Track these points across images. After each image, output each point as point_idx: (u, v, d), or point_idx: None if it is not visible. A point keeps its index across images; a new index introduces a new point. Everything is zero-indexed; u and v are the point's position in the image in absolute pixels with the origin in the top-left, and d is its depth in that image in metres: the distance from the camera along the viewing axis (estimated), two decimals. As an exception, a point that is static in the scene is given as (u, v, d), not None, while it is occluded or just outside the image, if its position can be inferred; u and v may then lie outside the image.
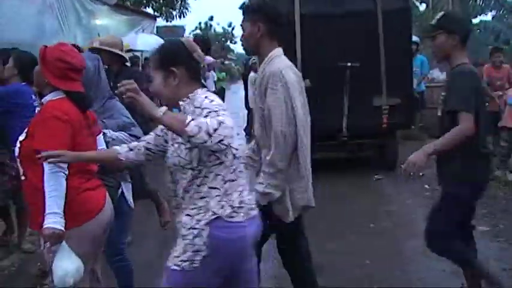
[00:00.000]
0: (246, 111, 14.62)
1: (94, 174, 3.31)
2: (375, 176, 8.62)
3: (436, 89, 12.95)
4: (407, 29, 9.02)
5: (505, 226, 6.12)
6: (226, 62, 28.07)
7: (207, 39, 10.39)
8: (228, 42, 51.60)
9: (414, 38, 9.68)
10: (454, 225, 3.89)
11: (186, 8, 27.75)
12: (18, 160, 3.16)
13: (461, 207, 3.87)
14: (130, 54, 14.99)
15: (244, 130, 14.23)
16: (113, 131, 3.65)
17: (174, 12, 27.57)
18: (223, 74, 21.78)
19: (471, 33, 3.87)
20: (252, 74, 13.13)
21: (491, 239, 5.74)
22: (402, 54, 8.73)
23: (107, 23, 16.57)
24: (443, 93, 3.94)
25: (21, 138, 3.12)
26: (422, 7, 23.49)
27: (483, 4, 23.42)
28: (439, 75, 15.13)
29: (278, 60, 3.44)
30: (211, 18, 50.67)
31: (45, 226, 2.89)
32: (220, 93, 21.94)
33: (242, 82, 14.83)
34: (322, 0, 8.68)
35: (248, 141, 13.32)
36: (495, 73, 9.30)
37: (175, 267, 2.67)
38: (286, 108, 3.33)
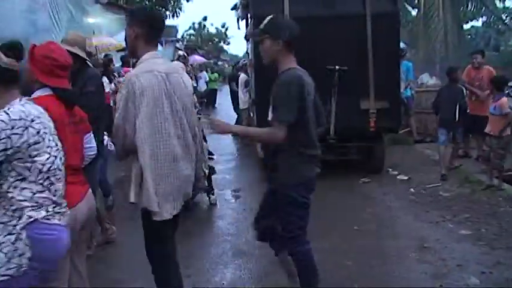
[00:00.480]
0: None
1: (77, 169, 3.36)
2: (362, 179, 8.69)
3: (424, 94, 13.09)
4: (395, 33, 9.07)
5: (487, 230, 6.19)
6: (219, 63, 28.07)
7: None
8: (221, 43, 51.60)
9: (400, 45, 9.75)
10: (303, 225, 4.05)
11: (179, 8, 27.79)
12: None
13: (299, 207, 3.99)
14: (122, 53, 15.05)
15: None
16: None
17: (167, 12, 27.58)
18: (216, 74, 21.83)
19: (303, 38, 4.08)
20: (242, 75, 13.21)
21: (474, 242, 5.82)
22: (390, 58, 8.79)
23: (100, 21, 16.58)
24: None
25: None
26: (415, 12, 23.55)
27: (474, 10, 23.53)
28: (428, 80, 15.26)
29: (141, 66, 3.47)
30: (205, 19, 50.67)
31: None
32: (212, 94, 22.04)
33: (228, 85, 14.79)
34: (312, 2, 8.68)
35: (237, 143, 13.42)
36: (474, 73, 9.62)
37: (3, 278, 2.75)
38: (127, 107, 3.35)
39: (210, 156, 9.81)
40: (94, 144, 3.65)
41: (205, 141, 10.13)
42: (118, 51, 14.54)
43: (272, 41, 3.80)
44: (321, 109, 4.29)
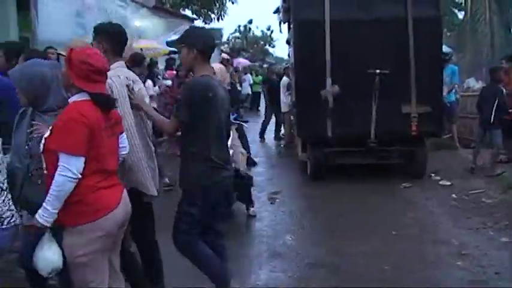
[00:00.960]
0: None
1: (113, 172, 3.44)
2: (403, 184, 8.61)
3: (469, 98, 12.85)
4: (438, 38, 9.01)
5: (529, 237, 6.08)
6: (265, 66, 28.14)
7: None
8: (267, 46, 51.76)
9: (445, 48, 9.64)
10: (194, 224, 4.05)
11: (224, 11, 28.01)
12: (42, 155, 3.31)
13: (193, 208, 4.02)
14: (167, 56, 15.31)
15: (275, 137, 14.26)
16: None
17: (213, 15, 27.84)
18: (260, 77, 21.84)
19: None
20: (284, 78, 13.25)
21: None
22: (432, 62, 8.73)
23: (146, 25, 16.90)
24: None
25: (46, 135, 3.27)
26: (461, 15, 23.15)
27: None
28: (474, 84, 14.98)
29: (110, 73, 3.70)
30: (250, 22, 50.91)
31: (35, 217, 3.11)
32: (256, 97, 22.12)
33: (264, 87, 14.69)
34: (353, 6, 8.69)
35: (278, 145, 13.43)
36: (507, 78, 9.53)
37: None
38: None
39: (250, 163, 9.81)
40: (126, 143, 3.72)
41: (247, 150, 10.13)
42: (163, 55, 14.78)
43: (187, 50, 3.96)
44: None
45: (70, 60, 3.26)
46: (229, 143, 6.11)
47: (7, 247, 3.44)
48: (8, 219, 3.22)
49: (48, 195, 3.07)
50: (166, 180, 8.31)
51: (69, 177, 3.06)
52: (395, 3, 8.76)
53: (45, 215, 3.07)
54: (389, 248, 5.86)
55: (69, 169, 3.06)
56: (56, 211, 3.08)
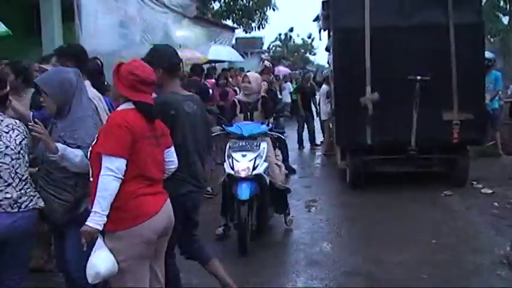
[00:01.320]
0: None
1: (157, 180, 3.52)
2: (444, 192, 8.49)
3: (513, 105, 12.59)
4: (480, 44, 8.87)
5: None
6: (296, 72, 28.11)
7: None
8: (307, 54, 51.76)
9: (488, 54, 9.46)
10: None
11: (265, 20, 28.11)
12: (89, 163, 3.43)
13: None
14: (208, 65, 15.46)
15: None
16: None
17: (253, 24, 27.97)
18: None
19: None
20: (324, 86, 13.23)
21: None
22: (474, 69, 8.58)
23: (187, 34, 17.09)
24: None
25: (93, 143, 3.40)
26: (506, 20, 22.75)
27: None
28: (517, 91, 14.67)
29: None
30: (291, 30, 51.05)
31: (85, 223, 3.18)
32: (295, 104, 22.10)
33: (300, 94, 14.63)
34: (393, 13, 8.62)
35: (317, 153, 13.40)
36: None
37: None
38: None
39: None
40: (175, 158, 3.80)
41: (285, 160, 10.06)
42: (202, 63, 14.90)
43: (154, 70, 3.94)
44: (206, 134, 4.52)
45: (118, 71, 3.43)
46: (263, 154, 6.20)
47: (31, 229, 3.67)
48: (26, 203, 3.56)
49: (96, 198, 3.18)
50: (209, 189, 8.40)
51: (113, 176, 3.18)
52: (436, 10, 8.66)
53: (94, 218, 3.16)
54: (428, 257, 5.78)
55: (112, 169, 3.18)
56: (106, 213, 3.17)
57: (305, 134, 14.22)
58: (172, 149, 3.74)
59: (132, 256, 3.29)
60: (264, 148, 6.27)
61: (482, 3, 15.39)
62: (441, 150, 8.81)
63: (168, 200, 3.57)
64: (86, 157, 3.48)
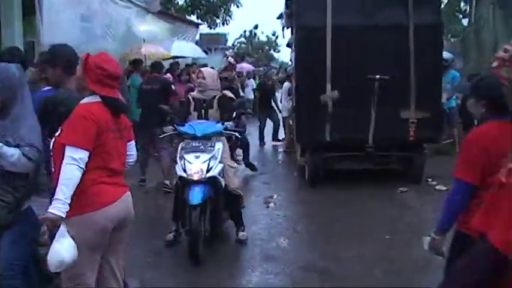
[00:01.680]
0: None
1: (118, 172, 3.54)
2: (400, 189, 8.64)
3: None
4: (438, 44, 9.07)
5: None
6: (260, 69, 28.18)
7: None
8: (272, 51, 51.90)
9: (445, 54, 9.65)
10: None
11: (230, 16, 28.08)
12: (51, 153, 3.42)
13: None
14: (171, 60, 15.40)
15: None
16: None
17: (218, 20, 27.90)
18: (263, 82, 21.91)
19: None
20: (286, 83, 13.28)
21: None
22: (432, 68, 8.76)
23: (151, 29, 16.94)
24: None
25: (56, 134, 3.39)
26: (466, 21, 23.14)
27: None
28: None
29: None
30: (256, 27, 51.10)
31: (47, 210, 3.15)
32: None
33: (261, 91, 14.68)
34: (354, 13, 8.72)
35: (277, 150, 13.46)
36: None
37: None
38: None
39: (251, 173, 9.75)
40: (135, 152, 3.83)
41: (245, 159, 9.96)
42: (165, 59, 14.83)
43: (52, 69, 4.07)
44: None
45: (86, 65, 3.44)
46: (218, 156, 5.80)
47: None
48: None
49: (58, 186, 3.17)
50: (167, 182, 8.41)
51: (77, 165, 3.20)
52: (396, 10, 8.80)
53: (57, 205, 3.14)
54: (383, 253, 5.89)
55: (76, 159, 3.20)
56: (68, 201, 3.16)
57: (268, 131, 14.27)
58: (133, 142, 3.77)
59: (83, 243, 3.26)
60: (219, 149, 5.88)
61: (442, 5, 15.62)
62: (398, 147, 8.96)
63: (129, 193, 3.59)
64: (25, 155, 3.42)
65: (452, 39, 22.64)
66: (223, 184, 5.92)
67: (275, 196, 8.62)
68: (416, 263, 5.59)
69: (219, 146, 5.92)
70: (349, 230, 6.78)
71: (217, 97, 6.38)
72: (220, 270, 5.50)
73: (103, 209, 3.33)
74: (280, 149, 13.54)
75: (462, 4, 24.50)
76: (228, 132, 6.14)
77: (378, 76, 8.42)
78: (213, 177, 5.73)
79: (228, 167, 6.14)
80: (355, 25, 8.65)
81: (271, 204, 8.15)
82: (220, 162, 5.84)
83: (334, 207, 7.87)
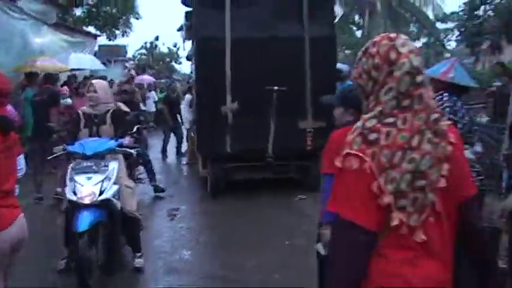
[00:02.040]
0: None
1: (9, 192, 3.43)
2: (298, 196, 8.90)
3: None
4: (333, 56, 9.42)
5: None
6: (163, 81, 28.05)
7: None
8: (173, 62, 51.63)
9: (341, 66, 10.08)
10: None
11: (129, 28, 27.77)
12: None
13: None
14: (69, 73, 15.05)
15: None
16: None
17: (117, 32, 27.51)
18: (165, 94, 21.76)
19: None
20: (187, 95, 13.33)
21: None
22: (327, 79, 9.07)
23: (48, 41, 16.48)
24: None
25: None
26: (359, 33, 24.22)
27: (416, 32, 24.33)
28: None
29: None
30: (156, 38, 50.62)
31: None
32: (161, 114, 21.98)
33: (168, 104, 14.65)
34: (253, 25, 8.91)
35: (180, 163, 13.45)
36: None
37: None
38: None
39: (158, 194, 9.46)
40: (23, 165, 3.74)
41: (151, 179, 9.63)
42: (62, 72, 14.45)
43: None
44: None
45: None
46: (112, 176, 5.27)
47: None
48: None
49: None
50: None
51: None
52: (293, 23, 9.11)
53: None
54: (282, 259, 6.06)
55: None
56: None
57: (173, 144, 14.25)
58: (21, 156, 3.67)
59: None
60: (113, 168, 5.36)
61: (337, 18, 16.24)
62: (296, 157, 9.22)
63: (22, 214, 3.51)
64: None
65: (346, 51, 23.60)
66: (118, 207, 5.35)
67: (179, 208, 8.64)
68: (312, 269, 5.79)
69: (113, 165, 5.41)
70: (249, 238, 6.93)
71: (110, 111, 5.90)
72: (123, 283, 5.48)
73: (2, 232, 3.26)
74: (184, 162, 13.54)
75: (357, 17, 25.63)
76: (123, 149, 5.59)
77: (276, 87, 8.64)
78: (107, 200, 5.17)
79: (125, 187, 5.64)
80: (253, 37, 8.85)
81: (175, 217, 8.17)
82: (115, 183, 5.33)
83: (234, 216, 8.01)
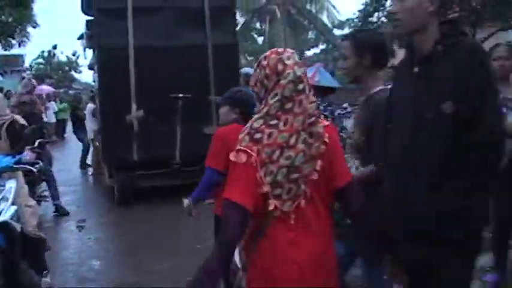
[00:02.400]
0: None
1: None
2: (206, 201, 8.99)
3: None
4: (235, 62, 9.68)
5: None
6: (71, 92, 27.34)
7: None
8: (73, 72, 50.22)
9: (251, 70, 10.30)
10: None
11: (26, 37, 26.80)
12: None
13: None
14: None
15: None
16: None
17: (14, 41, 26.49)
18: (65, 104, 21.22)
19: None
20: (90, 104, 13.11)
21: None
22: (231, 85, 9.20)
23: None
24: None
25: None
26: (261, 39, 24.70)
27: (315, 39, 25.11)
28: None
29: None
30: (54, 47, 49.05)
31: None
32: (61, 124, 21.41)
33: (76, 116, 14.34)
34: (156, 33, 8.99)
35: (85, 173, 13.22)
36: None
37: None
38: None
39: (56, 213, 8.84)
40: None
41: (54, 198, 9.08)
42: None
43: None
44: None
45: None
46: (9, 196, 4.76)
47: None
48: None
49: None
50: None
51: None
52: (196, 31, 9.27)
53: None
54: (193, 261, 6.12)
55: None
56: None
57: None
58: None
59: None
60: (10, 187, 4.84)
61: (239, 26, 16.53)
62: (203, 162, 9.29)
63: None
64: None
65: (248, 58, 24.02)
66: (18, 229, 4.73)
67: (86, 219, 8.52)
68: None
69: (11, 184, 4.89)
70: (160, 244, 6.98)
71: (5, 125, 5.62)
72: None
73: None
74: (90, 172, 13.30)
75: (258, 25, 26.14)
76: (21, 166, 5.05)
77: (180, 95, 8.71)
78: (4, 223, 4.57)
79: (25, 207, 5.11)
80: (157, 45, 8.92)
81: (82, 228, 8.05)
82: (13, 203, 4.79)
83: (143, 224, 8.03)
